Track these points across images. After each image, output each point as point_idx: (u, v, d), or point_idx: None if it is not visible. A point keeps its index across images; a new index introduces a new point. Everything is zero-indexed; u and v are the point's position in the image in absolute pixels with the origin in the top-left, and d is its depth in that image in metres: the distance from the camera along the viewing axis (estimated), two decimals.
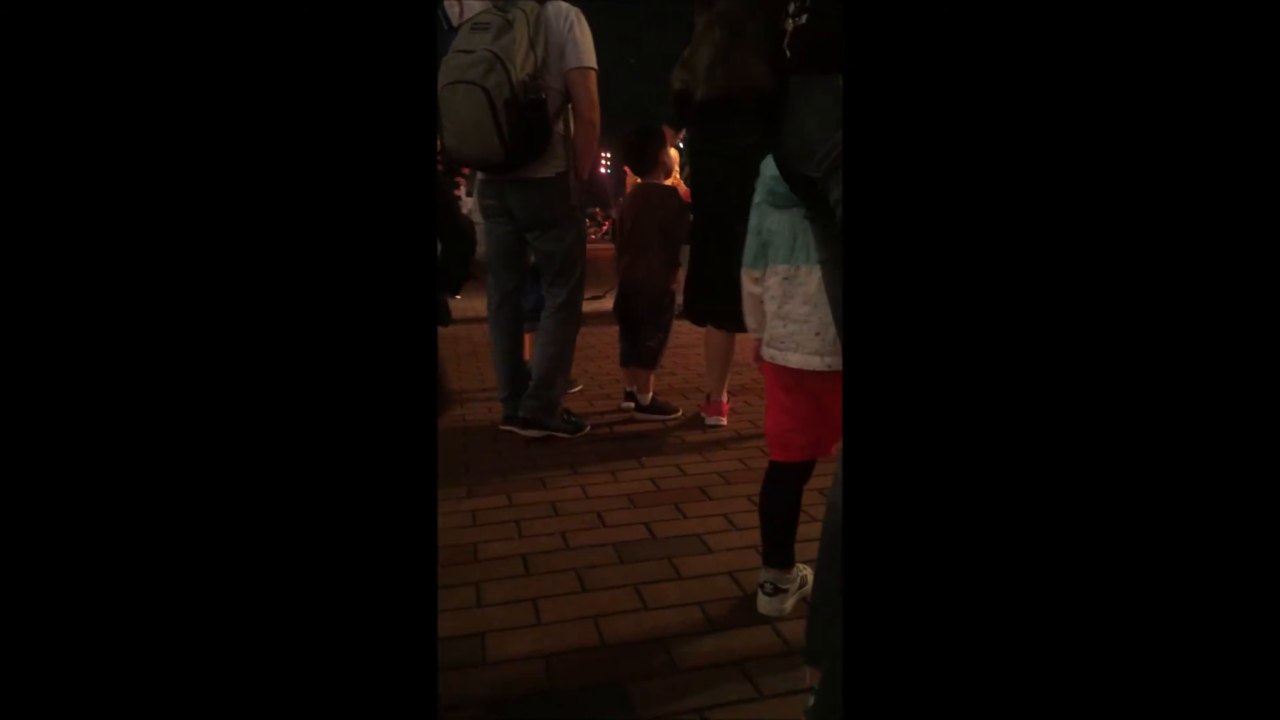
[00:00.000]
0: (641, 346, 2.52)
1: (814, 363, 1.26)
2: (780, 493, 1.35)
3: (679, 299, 2.70)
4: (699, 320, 2.44)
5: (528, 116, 2.08)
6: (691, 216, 2.47)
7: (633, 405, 2.59)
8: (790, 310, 1.29)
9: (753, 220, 1.37)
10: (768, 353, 1.34)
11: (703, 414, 2.51)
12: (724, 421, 2.47)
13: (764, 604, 1.34)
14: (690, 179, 2.55)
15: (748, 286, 1.41)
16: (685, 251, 2.58)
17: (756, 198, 1.37)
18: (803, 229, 1.26)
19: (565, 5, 2.21)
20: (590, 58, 2.21)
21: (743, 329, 2.41)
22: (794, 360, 1.28)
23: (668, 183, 2.55)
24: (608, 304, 2.71)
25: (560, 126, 2.23)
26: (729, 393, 2.55)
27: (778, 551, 1.35)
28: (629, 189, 2.61)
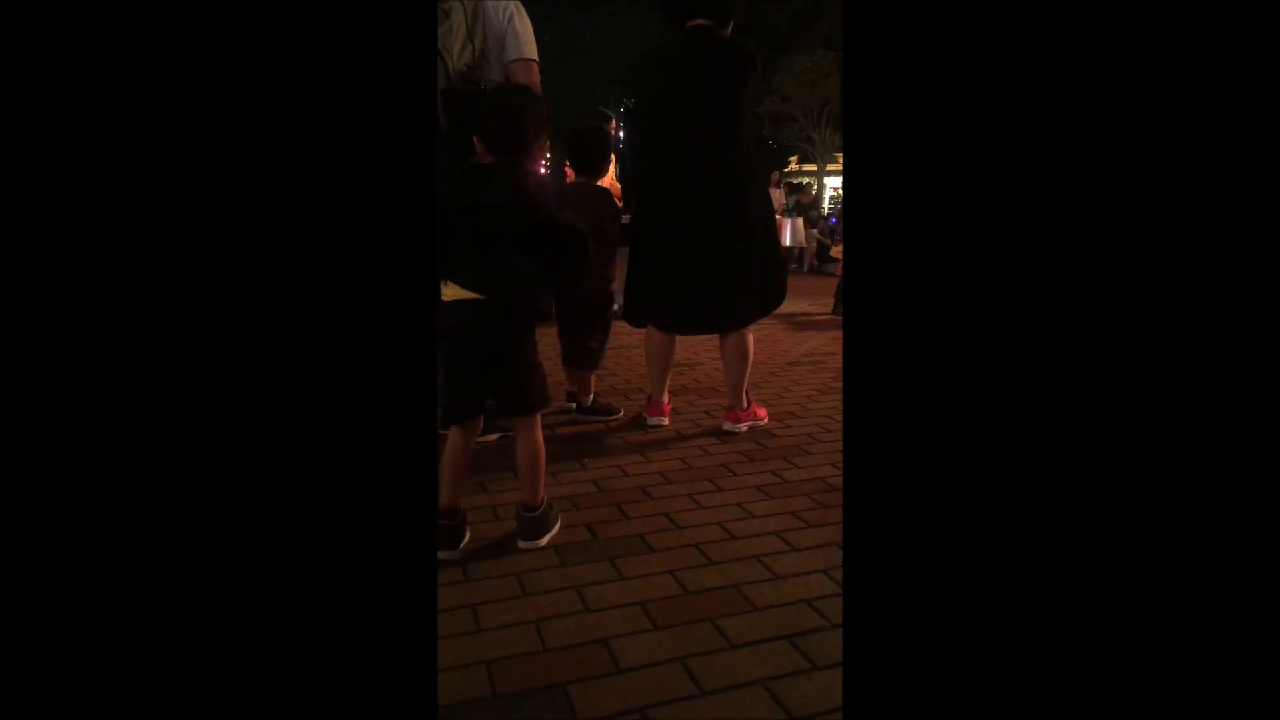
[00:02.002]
0: (581, 348, 2.51)
1: None
2: None
3: (617, 300, 2.70)
4: (637, 322, 2.45)
5: (464, 109, 2.05)
6: (626, 217, 2.48)
7: (574, 406, 2.59)
8: None
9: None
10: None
11: (644, 414, 2.52)
12: (665, 421, 2.48)
13: None
14: (629, 178, 2.55)
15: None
16: (621, 253, 2.59)
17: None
18: None
19: None
20: (532, 49, 2.19)
21: (681, 330, 2.45)
22: None
23: (601, 183, 2.54)
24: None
25: None
26: (670, 393, 2.57)
27: None
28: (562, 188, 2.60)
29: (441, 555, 1.55)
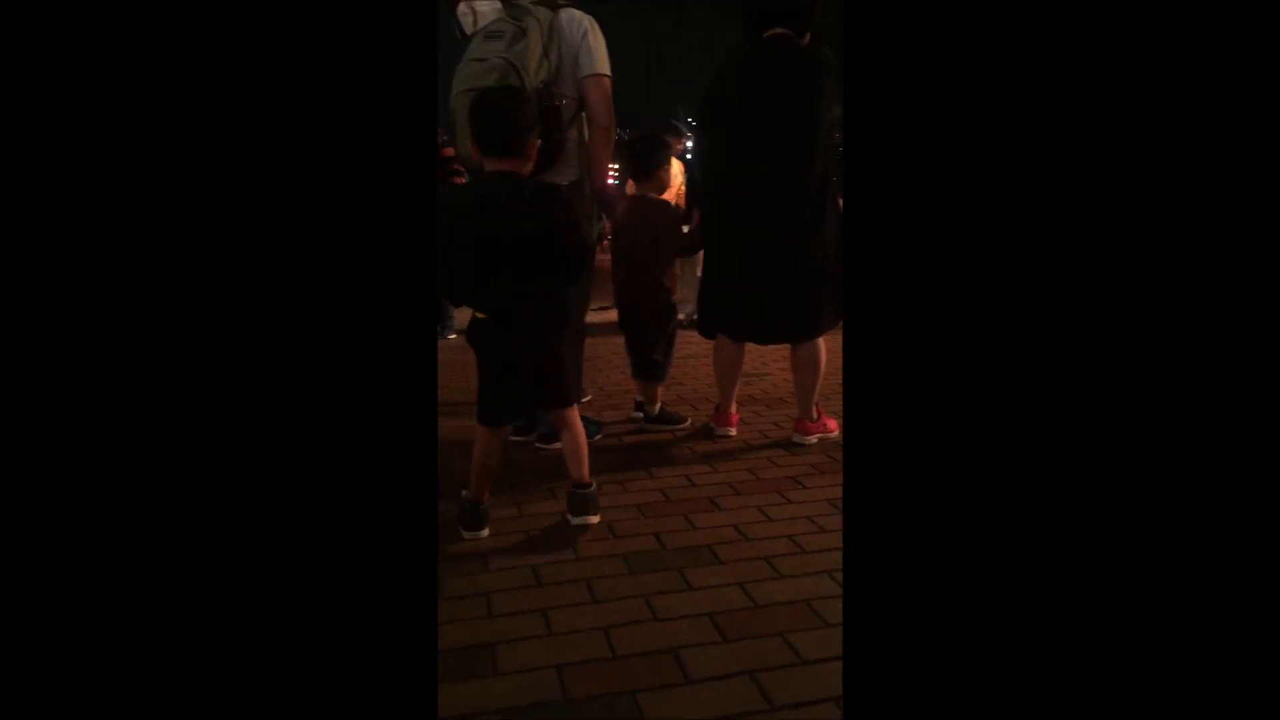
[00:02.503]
0: (647, 359, 2.52)
1: None
2: None
3: (681, 310, 2.71)
4: (708, 332, 2.45)
5: (542, 124, 2.10)
6: (693, 228, 2.48)
7: (642, 416, 2.60)
8: None
9: None
10: None
11: (712, 424, 2.52)
12: (733, 432, 2.47)
13: None
14: (702, 189, 2.55)
15: None
16: (685, 263, 2.59)
17: None
18: None
19: (578, 13, 2.22)
20: (604, 64, 2.23)
21: (755, 339, 2.43)
22: None
23: (663, 197, 2.55)
24: (614, 314, 2.72)
25: (574, 134, 2.25)
26: (738, 403, 2.55)
27: None
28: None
29: (466, 535, 1.71)
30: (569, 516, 1.78)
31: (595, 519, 1.78)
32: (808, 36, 2.27)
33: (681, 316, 2.69)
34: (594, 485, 1.80)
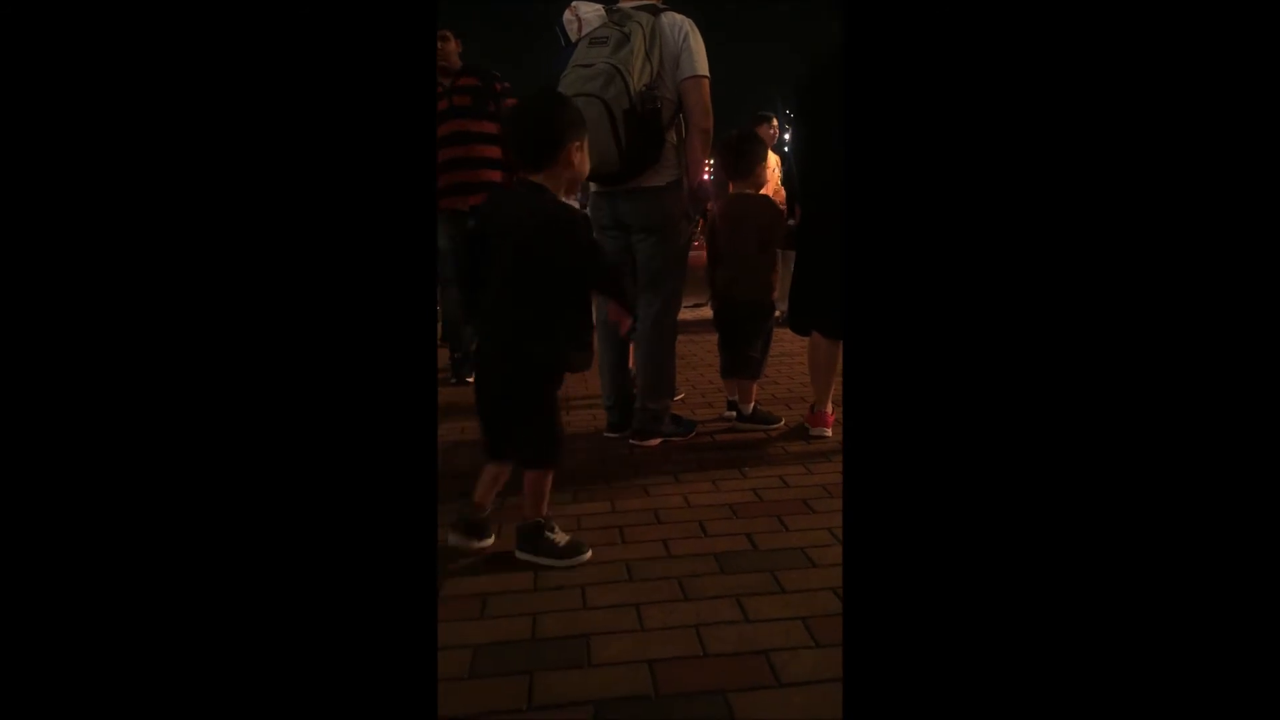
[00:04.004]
0: (743, 356, 2.51)
1: None
2: None
3: (779, 308, 2.68)
4: (803, 330, 2.42)
5: (645, 126, 2.13)
6: (793, 222, 2.45)
7: (735, 415, 2.59)
8: None
9: None
10: None
11: (807, 425, 2.48)
12: (829, 433, 2.42)
13: None
14: (799, 182, 2.51)
15: None
16: (782, 259, 2.55)
17: None
18: None
19: (679, 16, 2.24)
20: (704, 66, 2.24)
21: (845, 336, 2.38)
22: None
23: (762, 193, 2.53)
24: (708, 312, 2.72)
25: (672, 135, 2.27)
26: (834, 403, 2.50)
27: None
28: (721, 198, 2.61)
29: (452, 540, 1.63)
30: (516, 551, 1.62)
31: (546, 561, 1.58)
32: None
33: (777, 314, 2.66)
34: (545, 521, 1.62)
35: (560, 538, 1.62)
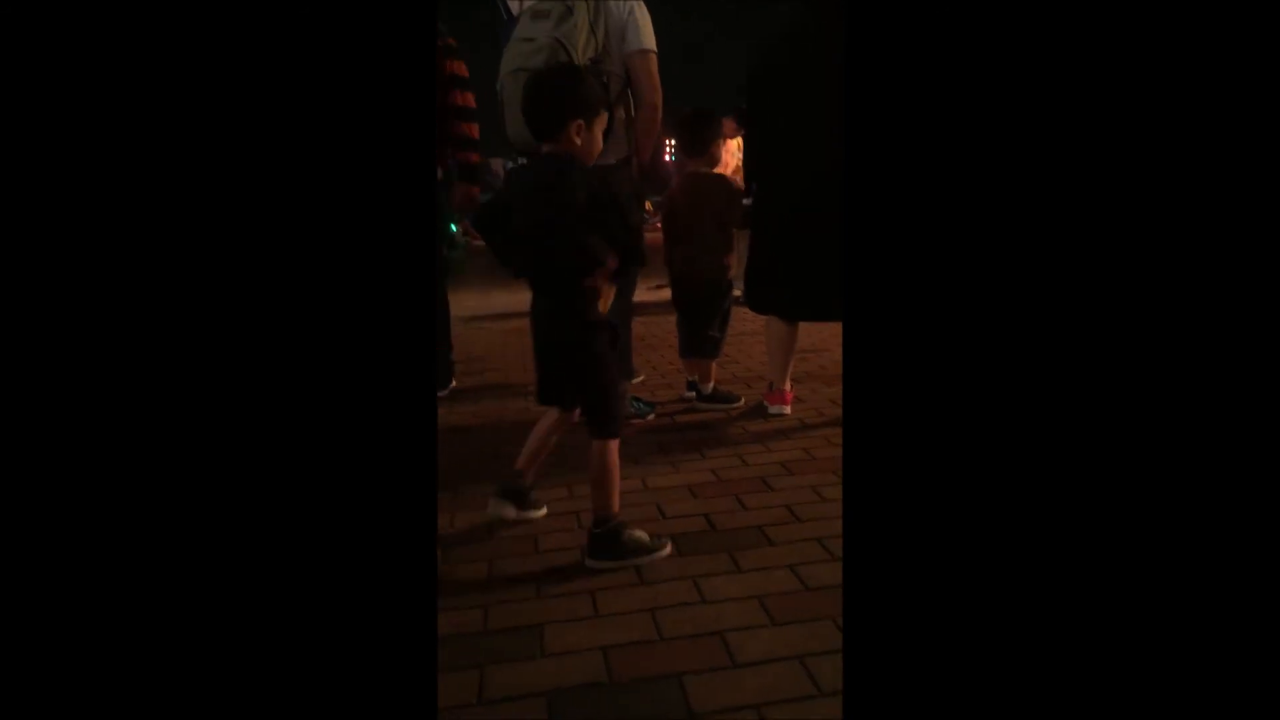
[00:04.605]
0: (702, 336, 2.49)
1: None
2: None
3: (737, 286, 2.66)
4: (760, 308, 2.40)
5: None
6: (750, 202, 2.41)
7: (694, 395, 2.57)
8: None
9: None
10: None
11: (765, 403, 2.47)
12: (787, 410, 2.42)
13: None
14: (752, 159, 2.47)
15: None
16: (740, 238, 2.53)
17: None
18: None
19: None
20: (650, 40, 2.19)
21: (805, 317, 2.37)
22: None
23: (719, 170, 2.49)
24: (667, 293, 2.69)
25: (620, 112, 2.22)
26: (793, 380, 2.50)
27: None
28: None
29: (492, 509, 1.65)
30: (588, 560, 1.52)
31: (614, 564, 1.49)
32: None
33: (736, 292, 2.64)
34: (618, 523, 1.52)
35: (640, 533, 1.53)
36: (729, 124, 4.33)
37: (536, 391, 1.69)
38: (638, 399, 2.47)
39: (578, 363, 1.54)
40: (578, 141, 1.51)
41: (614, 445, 1.53)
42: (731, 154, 3.94)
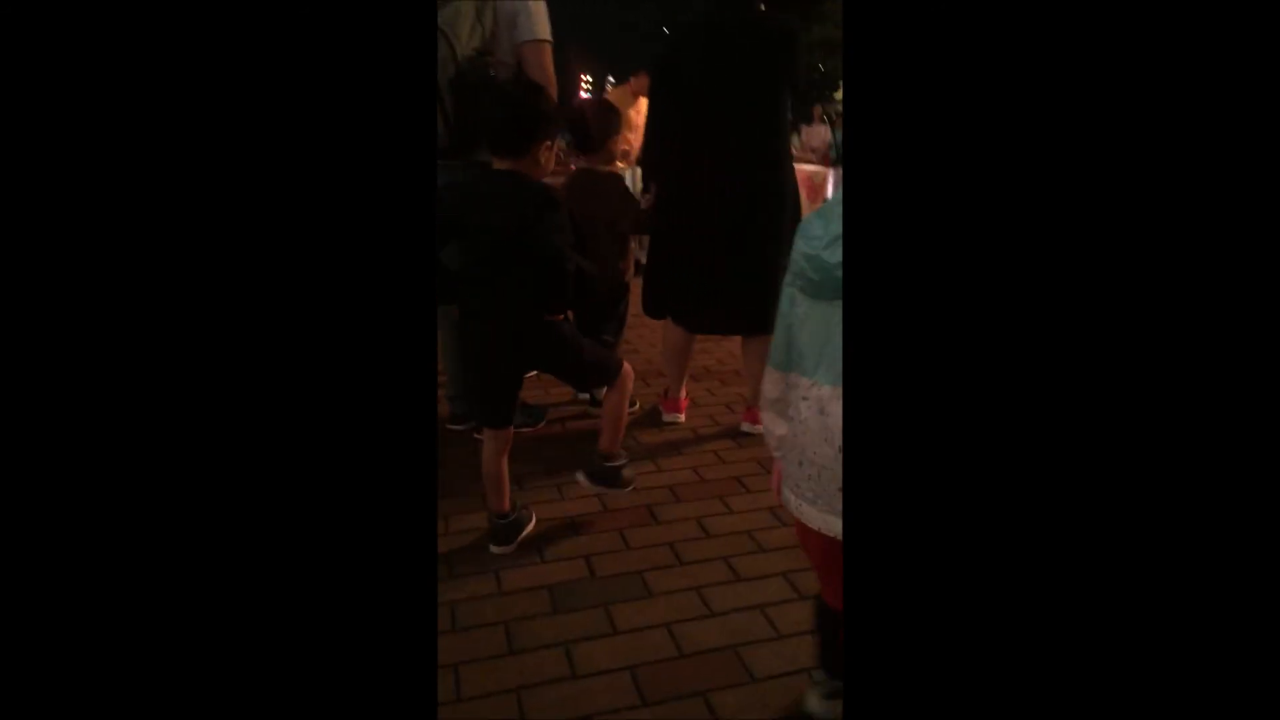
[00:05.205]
0: (597, 340, 2.40)
1: (835, 526, 0.95)
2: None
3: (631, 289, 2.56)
4: (655, 313, 2.33)
5: (474, 96, 1.90)
6: (648, 196, 2.28)
7: (588, 398, 2.50)
8: (809, 446, 0.97)
9: (782, 304, 1.03)
10: (785, 494, 1.05)
11: (660, 409, 2.43)
12: (681, 418, 2.39)
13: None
14: (653, 160, 2.31)
15: (767, 389, 1.07)
16: (639, 242, 2.42)
17: (787, 278, 1.02)
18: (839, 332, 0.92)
19: None
20: (544, 29, 2.01)
21: (702, 330, 2.30)
22: (810, 517, 0.99)
23: (610, 169, 2.32)
24: None
25: None
26: (691, 377, 2.45)
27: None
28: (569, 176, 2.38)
29: (495, 550, 1.66)
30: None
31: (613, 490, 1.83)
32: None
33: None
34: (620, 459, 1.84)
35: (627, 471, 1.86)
36: (640, 80, 4.10)
37: (483, 416, 1.74)
38: (527, 405, 2.38)
39: (553, 356, 1.67)
40: (541, 162, 1.54)
41: (620, 381, 1.76)
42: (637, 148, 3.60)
